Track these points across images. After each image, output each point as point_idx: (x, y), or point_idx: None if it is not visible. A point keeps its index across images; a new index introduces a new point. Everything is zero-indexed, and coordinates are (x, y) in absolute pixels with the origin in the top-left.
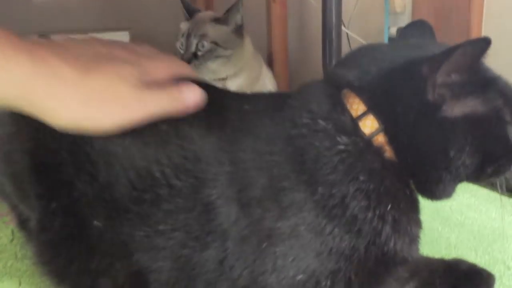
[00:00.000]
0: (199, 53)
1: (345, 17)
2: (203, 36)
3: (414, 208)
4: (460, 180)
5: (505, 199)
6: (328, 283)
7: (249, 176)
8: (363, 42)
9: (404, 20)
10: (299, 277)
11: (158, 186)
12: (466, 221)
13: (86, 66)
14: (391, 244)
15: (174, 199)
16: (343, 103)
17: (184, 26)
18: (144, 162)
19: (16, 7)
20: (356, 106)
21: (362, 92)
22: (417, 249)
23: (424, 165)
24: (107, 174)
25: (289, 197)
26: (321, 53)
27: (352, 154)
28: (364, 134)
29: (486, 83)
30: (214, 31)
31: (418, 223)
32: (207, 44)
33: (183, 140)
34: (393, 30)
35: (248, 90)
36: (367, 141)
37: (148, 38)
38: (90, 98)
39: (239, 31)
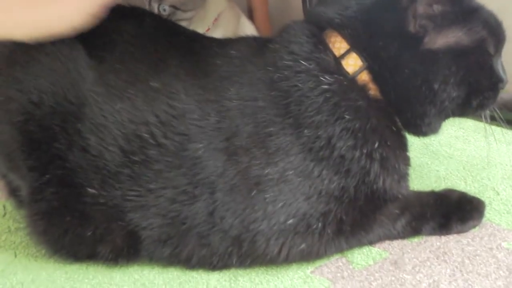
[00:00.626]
0: None
1: None
2: (161, 0)
3: (402, 145)
4: (446, 115)
5: (491, 127)
6: (320, 225)
7: (235, 124)
8: None
9: None
10: (290, 221)
11: (147, 147)
12: (455, 153)
13: None
14: (380, 182)
15: (163, 157)
16: (325, 42)
17: None
18: (133, 125)
19: None
20: (338, 45)
21: (343, 29)
22: (407, 186)
23: (409, 100)
24: (99, 145)
25: (275, 142)
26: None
27: (336, 93)
28: (347, 72)
29: (469, 13)
30: None
31: (406, 160)
32: (167, 8)
33: (170, 97)
34: None
35: None
36: (351, 80)
37: None
38: (11, 4)
39: None
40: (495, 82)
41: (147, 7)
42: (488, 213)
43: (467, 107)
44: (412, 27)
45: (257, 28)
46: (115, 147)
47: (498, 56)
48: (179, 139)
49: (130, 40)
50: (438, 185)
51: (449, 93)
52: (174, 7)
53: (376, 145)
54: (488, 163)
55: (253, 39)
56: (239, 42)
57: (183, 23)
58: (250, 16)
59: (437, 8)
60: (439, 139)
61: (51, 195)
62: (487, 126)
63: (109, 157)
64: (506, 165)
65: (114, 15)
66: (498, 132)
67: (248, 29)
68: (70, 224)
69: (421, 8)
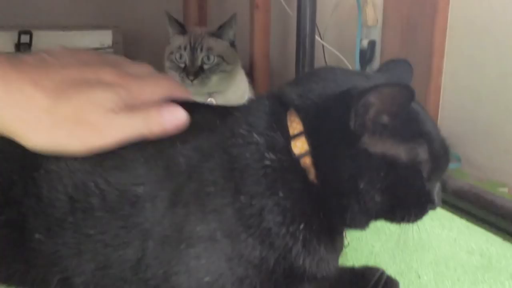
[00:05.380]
0: (205, 67)
1: (321, 28)
2: (209, 50)
3: (328, 231)
4: (371, 216)
5: (440, 212)
6: None
7: (182, 180)
8: (338, 53)
9: (376, 33)
10: (207, 279)
11: (91, 195)
12: (397, 231)
13: (59, 93)
14: (300, 261)
15: (104, 203)
16: (282, 120)
17: (180, 39)
18: (80, 174)
19: None
20: (295, 125)
21: (300, 112)
22: (326, 269)
23: (337, 192)
24: (50, 193)
25: (213, 202)
26: (295, 62)
27: (277, 170)
28: (293, 154)
29: (417, 135)
30: (217, 45)
31: (330, 245)
32: (213, 58)
33: (119, 152)
34: (365, 43)
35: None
36: (294, 161)
37: (135, 37)
38: (59, 124)
39: (233, 46)
40: (424, 202)
41: (187, 56)
42: None
43: (392, 215)
44: (352, 123)
45: (256, 83)
46: (63, 195)
47: (435, 181)
48: (121, 182)
49: None
50: (368, 260)
51: (373, 196)
52: (222, 57)
53: (302, 226)
54: (422, 246)
55: (225, 106)
56: (214, 108)
57: (223, 74)
58: (251, 70)
59: (385, 118)
60: None
61: (2, 237)
62: (438, 210)
63: (58, 204)
64: (439, 250)
65: None
66: (446, 217)
67: (249, 91)
68: (16, 269)
69: (362, 109)
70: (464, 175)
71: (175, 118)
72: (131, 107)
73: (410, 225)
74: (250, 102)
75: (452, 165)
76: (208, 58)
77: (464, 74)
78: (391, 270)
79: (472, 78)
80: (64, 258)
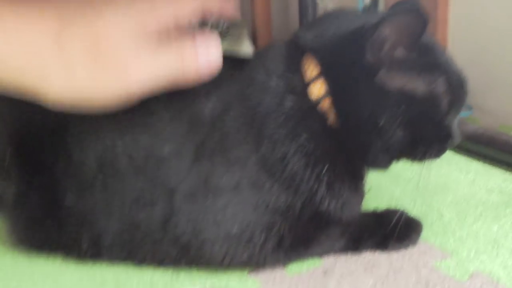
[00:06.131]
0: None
1: None
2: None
3: (351, 174)
4: (393, 153)
5: (456, 156)
6: (262, 238)
7: (204, 132)
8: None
9: None
10: (235, 230)
11: (119, 156)
12: (415, 177)
13: (64, 21)
14: (325, 204)
15: (131, 164)
16: (299, 64)
17: None
18: (110, 137)
19: None
20: (311, 69)
21: (317, 54)
22: (351, 212)
23: (359, 131)
24: (81, 155)
25: (236, 152)
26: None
27: (298, 114)
28: (312, 97)
29: (433, 67)
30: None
31: (353, 188)
32: (222, 21)
33: (146, 111)
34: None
35: None
36: (313, 104)
37: None
38: (72, 63)
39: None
40: (444, 137)
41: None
42: (427, 233)
43: (413, 152)
44: (369, 56)
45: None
46: (93, 157)
47: (454, 114)
48: (147, 143)
49: None
50: (389, 205)
51: (395, 132)
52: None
53: (325, 168)
54: (442, 188)
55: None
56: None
57: (232, 38)
58: (254, 40)
59: (402, 52)
60: (405, 163)
61: (35, 201)
62: (451, 154)
63: (88, 165)
64: (458, 191)
65: None
66: (462, 161)
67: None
68: (49, 231)
69: (381, 42)
70: (477, 123)
71: (211, 56)
72: (160, 36)
73: (429, 168)
74: (267, 48)
75: (463, 113)
76: (218, 23)
77: (470, 21)
78: (413, 212)
79: (478, 24)
80: (93, 218)
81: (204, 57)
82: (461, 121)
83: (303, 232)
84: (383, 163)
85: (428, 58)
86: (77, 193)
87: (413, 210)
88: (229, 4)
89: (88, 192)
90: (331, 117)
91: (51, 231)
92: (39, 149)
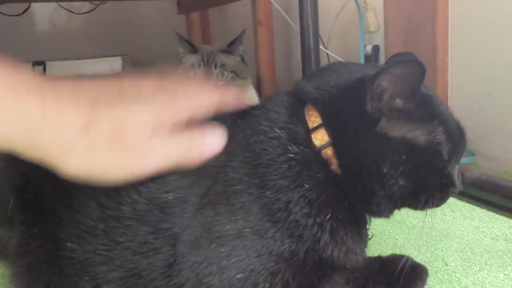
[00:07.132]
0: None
1: (324, 38)
2: (223, 66)
3: (354, 221)
4: (395, 202)
5: (460, 203)
6: (267, 284)
7: (209, 182)
8: (343, 61)
9: (378, 38)
10: (239, 276)
11: (123, 204)
12: (418, 224)
13: (95, 108)
14: (329, 252)
15: (134, 211)
16: (301, 114)
17: (192, 58)
18: (113, 189)
19: (12, 35)
20: (313, 119)
21: (318, 104)
22: (355, 259)
23: (361, 178)
24: (82, 201)
25: (239, 200)
26: (301, 73)
27: (300, 163)
28: (314, 145)
29: (431, 117)
30: (230, 61)
31: (356, 235)
32: (227, 74)
33: None
34: (369, 48)
35: None
36: (316, 153)
37: (143, 63)
38: (96, 145)
39: (244, 61)
40: (446, 185)
41: (200, 73)
42: (432, 281)
43: (416, 200)
44: (369, 107)
45: (265, 95)
46: (95, 202)
47: (455, 162)
48: (153, 192)
49: None
50: (393, 252)
51: (397, 180)
52: (235, 73)
53: (328, 216)
54: (446, 236)
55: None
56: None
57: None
58: (258, 86)
59: (400, 102)
60: (408, 210)
61: (37, 248)
62: (457, 200)
63: (89, 211)
64: (463, 238)
65: None
66: (466, 208)
67: (254, 98)
68: (51, 279)
69: (378, 90)
70: (479, 169)
71: (215, 146)
72: (174, 126)
73: (432, 215)
74: (268, 99)
75: (466, 159)
76: (222, 74)
77: (470, 69)
78: (417, 260)
79: (478, 71)
80: (94, 266)
81: (209, 146)
82: (465, 167)
83: (308, 280)
84: (386, 212)
85: (426, 108)
86: (78, 241)
87: (418, 257)
88: (242, 97)
89: (89, 240)
90: (334, 165)
91: (52, 280)
92: (41, 198)
